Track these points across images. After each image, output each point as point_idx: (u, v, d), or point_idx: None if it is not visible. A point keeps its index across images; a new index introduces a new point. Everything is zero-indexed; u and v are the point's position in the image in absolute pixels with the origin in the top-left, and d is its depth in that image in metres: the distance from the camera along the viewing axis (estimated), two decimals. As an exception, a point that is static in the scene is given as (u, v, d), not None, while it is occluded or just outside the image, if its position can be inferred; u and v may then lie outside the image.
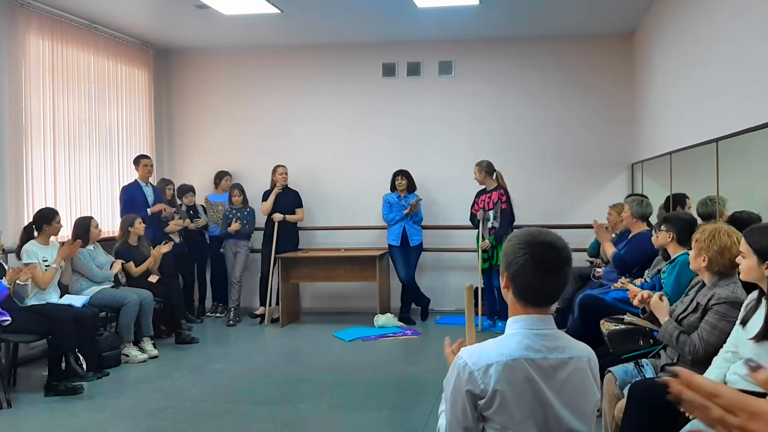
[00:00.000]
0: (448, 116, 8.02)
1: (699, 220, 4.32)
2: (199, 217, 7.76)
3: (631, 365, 3.29)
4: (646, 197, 5.48)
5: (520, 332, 1.80)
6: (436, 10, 6.62)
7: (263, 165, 7.90)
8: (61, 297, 5.59)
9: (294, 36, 7.74)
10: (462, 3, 6.38)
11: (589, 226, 5.64)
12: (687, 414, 1.06)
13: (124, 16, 6.94)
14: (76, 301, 5.48)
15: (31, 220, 5.67)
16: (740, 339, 2.72)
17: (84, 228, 5.98)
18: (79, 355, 5.12)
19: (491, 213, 6.91)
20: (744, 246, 2.67)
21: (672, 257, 4.00)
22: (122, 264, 6.26)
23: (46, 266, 5.44)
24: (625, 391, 3.06)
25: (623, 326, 3.57)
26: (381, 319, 7.11)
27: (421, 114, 8.07)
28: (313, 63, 8.21)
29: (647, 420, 2.80)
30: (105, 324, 5.99)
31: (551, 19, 7.07)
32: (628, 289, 4.02)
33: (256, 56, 8.30)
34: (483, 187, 7.11)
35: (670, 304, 3.35)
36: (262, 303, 7.61)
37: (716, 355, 2.91)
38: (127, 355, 5.82)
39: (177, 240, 7.34)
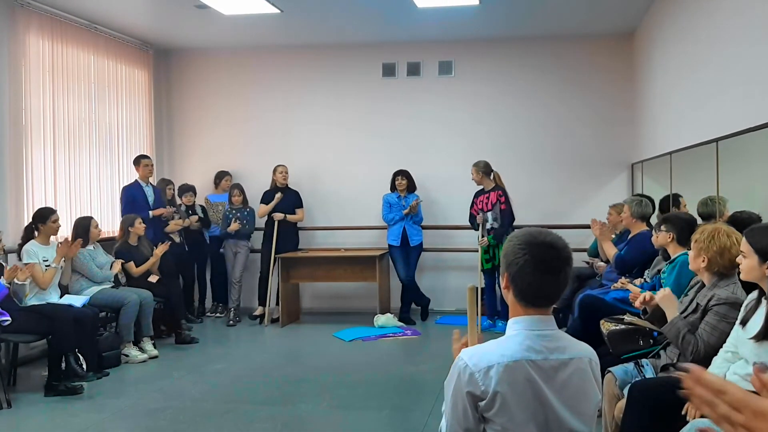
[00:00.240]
0: (448, 116, 8.02)
1: (699, 220, 4.32)
2: (196, 214, 7.73)
3: (631, 365, 3.29)
4: (650, 198, 5.48)
5: (521, 333, 1.80)
6: (436, 10, 6.62)
7: (263, 165, 7.90)
8: (61, 297, 5.59)
9: (294, 36, 7.74)
10: (462, 3, 6.37)
11: (590, 226, 5.63)
12: (687, 414, 1.10)
13: (124, 16, 6.94)
14: (76, 301, 5.48)
15: (30, 220, 5.67)
16: (740, 339, 2.72)
17: (84, 228, 5.99)
18: (79, 355, 5.12)
19: (490, 214, 6.91)
20: (745, 246, 2.66)
21: (672, 257, 4.01)
22: (122, 264, 6.26)
23: (46, 266, 5.44)
24: (625, 391, 3.06)
25: (623, 326, 3.57)
26: (381, 319, 7.11)
27: (421, 114, 8.07)
28: (313, 63, 8.21)
29: (647, 420, 2.80)
30: (105, 324, 5.99)
31: (551, 19, 7.07)
32: (628, 289, 4.03)
33: (256, 56, 8.30)
34: (481, 187, 7.11)
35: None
36: (261, 303, 7.61)
37: (715, 355, 2.91)
38: (127, 355, 5.82)
39: (177, 240, 7.35)
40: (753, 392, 1.11)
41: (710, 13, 4.72)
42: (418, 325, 7.24)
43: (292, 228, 7.78)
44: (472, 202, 7.14)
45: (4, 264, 5.15)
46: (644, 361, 3.29)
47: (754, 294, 2.73)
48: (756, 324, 2.61)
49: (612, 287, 4.67)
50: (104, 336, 5.74)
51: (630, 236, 5.20)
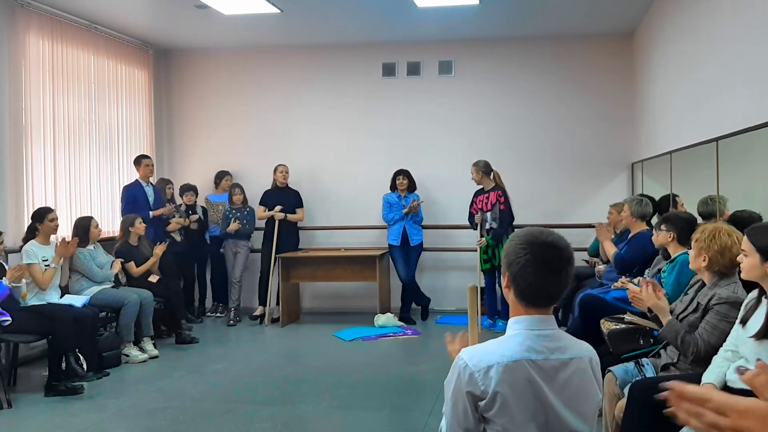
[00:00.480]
0: (448, 116, 8.02)
1: (699, 220, 4.32)
2: (196, 213, 7.73)
3: (631, 365, 3.29)
4: (652, 198, 5.48)
5: (522, 333, 1.79)
6: (436, 10, 6.62)
7: (263, 165, 7.90)
8: (61, 297, 5.58)
9: (294, 36, 7.74)
10: (462, 3, 6.37)
11: (589, 226, 5.64)
12: (681, 425, 1.11)
13: (124, 16, 6.94)
14: (77, 301, 5.48)
15: (30, 220, 5.67)
16: (740, 338, 2.72)
17: (84, 228, 5.99)
18: (80, 355, 5.12)
19: (489, 214, 6.90)
20: (746, 244, 2.66)
21: (672, 257, 4.01)
22: (122, 264, 6.26)
23: (45, 266, 5.44)
24: (626, 391, 3.06)
25: (623, 326, 3.57)
26: (381, 319, 7.11)
27: (421, 114, 8.07)
28: (313, 63, 8.21)
29: (647, 419, 2.80)
30: (105, 324, 5.99)
31: (551, 18, 7.07)
32: (627, 289, 4.02)
33: (256, 56, 8.30)
34: (480, 186, 7.11)
35: (669, 303, 3.34)
36: (261, 303, 7.61)
37: (715, 354, 2.91)
38: (127, 355, 5.82)
39: (178, 239, 7.35)
40: (748, 392, 1.12)
41: (710, 13, 4.72)
42: (419, 325, 7.24)
43: (293, 228, 7.78)
44: (472, 201, 7.14)
45: (5, 265, 5.15)
46: (644, 360, 3.29)
47: (754, 293, 2.73)
48: (756, 323, 2.61)
49: (612, 287, 4.67)
50: (104, 336, 5.74)
51: (630, 236, 5.20)
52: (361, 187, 8.06)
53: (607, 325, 3.62)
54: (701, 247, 3.09)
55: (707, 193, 4.59)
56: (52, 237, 5.67)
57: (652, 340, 3.50)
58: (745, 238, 2.68)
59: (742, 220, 3.52)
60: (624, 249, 5.11)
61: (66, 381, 4.96)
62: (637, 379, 3.11)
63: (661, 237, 4.08)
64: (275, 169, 7.67)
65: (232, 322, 7.48)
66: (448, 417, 1.78)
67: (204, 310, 8.01)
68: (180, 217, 7.44)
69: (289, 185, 7.75)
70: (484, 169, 7.01)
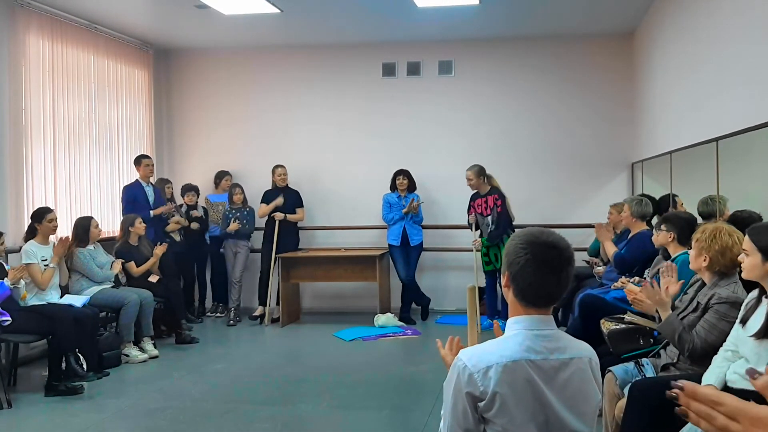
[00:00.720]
0: (448, 116, 8.02)
1: (699, 220, 4.32)
2: (198, 212, 7.73)
3: (631, 365, 3.29)
4: (653, 198, 5.48)
5: (521, 333, 1.79)
6: (436, 9, 6.62)
7: (263, 165, 7.90)
8: (61, 297, 5.58)
9: (294, 36, 7.74)
10: (462, 3, 6.37)
11: (589, 226, 5.64)
12: (681, 425, 1.10)
13: (124, 16, 6.94)
14: (77, 301, 5.48)
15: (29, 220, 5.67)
16: (740, 338, 2.72)
17: (84, 228, 5.99)
18: (80, 355, 5.12)
19: (489, 218, 6.90)
20: (748, 244, 2.65)
21: (672, 257, 4.00)
22: (122, 264, 6.26)
23: (45, 265, 5.44)
24: (626, 391, 3.06)
25: (623, 326, 3.57)
26: (381, 319, 7.12)
27: (421, 114, 8.07)
28: (313, 63, 8.21)
29: (647, 419, 2.80)
30: (105, 324, 5.99)
31: (551, 18, 7.07)
32: (626, 288, 4.02)
33: (256, 56, 8.30)
34: (476, 191, 7.08)
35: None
36: (261, 303, 7.61)
37: (714, 353, 2.91)
38: (127, 355, 5.82)
39: (177, 239, 7.35)
40: (753, 392, 1.11)
41: (710, 13, 4.72)
42: (419, 325, 7.24)
43: (293, 228, 7.78)
44: (469, 206, 7.13)
45: (5, 265, 5.15)
46: (644, 360, 3.29)
47: (754, 293, 2.73)
48: (756, 322, 2.61)
49: (612, 287, 4.67)
50: (104, 336, 5.74)
51: (630, 236, 5.20)
52: (361, 187, 8.06)
53: (607, 325, 3.62)
54: (702, 247, 3.08)
55: (707, 193, 4.59)
56: (51, 237, 5.66)
57: (652, 340, 3.50)
58: (746, 237, 2.68)
59: (742, 220, 3.52)
60: (624, 249, 5.11)
61: (66, 381, 4.96)
62: (637, 379, 3.11)
63: (661, 237, 4.08)
64: (273, 171, 7.67)
65: (232, 322, 7.48)
66: (447, 418, 1.78)
67: (204, 310, 8.01)
68: (180, 216, 7.44)
69: (289, 185, 7.75)
70: (480, 173, 6.98)
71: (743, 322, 2.72)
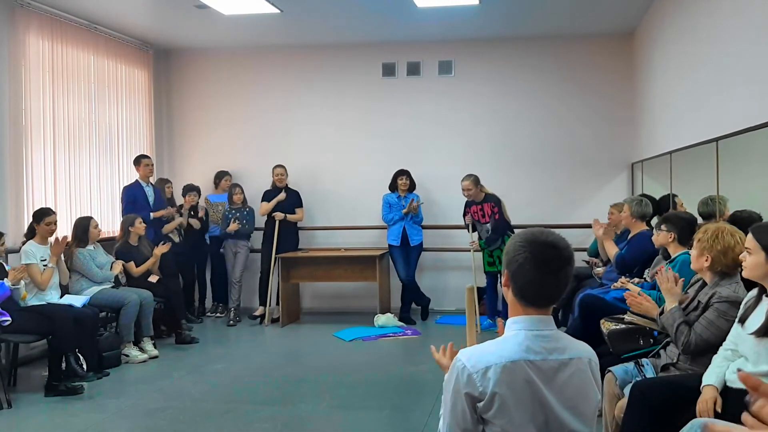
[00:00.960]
0: (448, 116, 8.02)
1: (700, 220, 4.32)
2: (200, 213, 7.73)
3: (631, 365, 3.29)
4: (654, 198, 5.48)
5: (520, 333, 1.79)
6: (436, 10, 6.62)
7: (263, 165, 7.90)
8: (61, 297, 5.58)
9: (294, 36, 7.74)
10: (462, 3, 6.37)
11: (589, 226, 5.64)
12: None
13: (124, 16, 6.94)
14: (76, 301, 5.48)
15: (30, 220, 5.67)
16: (740, 336, 2.72)
17: (83, 228, 5.98)
18: (80, 355, 5.12)
19: (488, 226, 6.89)
20: (751, 242, 2.64)
21: (672, 257, 4.00)
22: (122, 264, 6.26)
23: (44, 266, 5.44)
24: (626, 391, 3.06)
25: (623, 326, 3.57)
26: (381, 319, 7.11)
27: (421, 114, 8.07)
28: (313, 63, 8.21)
29: (648, 420, 2.80)
30: (105, 324, 5.99)
31: (551, 19, 7.06)
32: (628, 289, 4.02)
33: (256, 56, 8.30)
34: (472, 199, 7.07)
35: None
36: (262, 303, 7.61)
37: (709, 351, 2.91)
38: (127, 355, 5.82)
39: (176, 239, 7.34)
40: (745, 391, 1.11)
41: (710, 13, 4.72)
42: (419, 325, 7.24)
43: (292, 228, 7.78)
44: (465, 212, 7.12)
45: (5, 266, 5.15)
46: (644, 360, 3.29)
47: (754, 292, 2.73)
48: (756, 321, 2.61)
49: (612, 287, 4.66)
50: (104, 336, 5.74)
51: (630, 236, 5.19)
52: (361, 188, 8.06)
53: (607, 326, 3.62)
54: (704, 247, 3.08)
55: (707, 193, 4.59)
56: (49, 238, 5.65)
57: (652, 340, 3.50)
58: (749, 235, 2.67)
59: (742, 220, 3.52)
60: (624, 249, 5.11)
61: (66, 381, 4.96)
62: (637, 379, 3.11)
63: (662, 237, 4.07)
64: (272, 171, 7.67)
65: (232, 322, 7.48)
66: (446, 418, 1.78)
67: (204, 310, 8.01)
68: (181, 216, 7.44)
69: (289, 185, 7.75)
70: (476, 182, 6.96)
71: (742, 320, 2.72)
